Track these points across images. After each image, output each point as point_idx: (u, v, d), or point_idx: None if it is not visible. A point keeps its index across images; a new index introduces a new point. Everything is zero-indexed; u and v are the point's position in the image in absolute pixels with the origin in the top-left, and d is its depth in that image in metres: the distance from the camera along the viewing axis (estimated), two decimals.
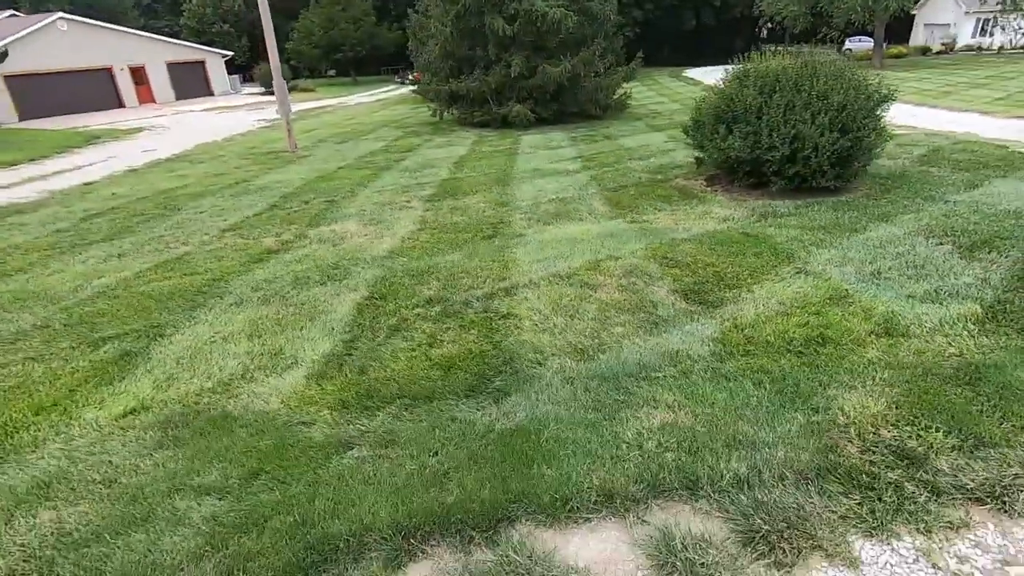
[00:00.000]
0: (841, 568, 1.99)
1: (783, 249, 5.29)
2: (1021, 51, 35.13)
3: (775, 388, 3.01)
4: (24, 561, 2.16)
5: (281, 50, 46.68)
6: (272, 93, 36.32)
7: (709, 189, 8.42)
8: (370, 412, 3.04)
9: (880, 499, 2.22)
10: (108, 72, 30.64)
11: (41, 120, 26.51)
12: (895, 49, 37.88)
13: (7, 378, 3.64)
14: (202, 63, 35.56)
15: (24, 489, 2.55)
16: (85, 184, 11.24)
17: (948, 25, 39.90)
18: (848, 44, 43.78)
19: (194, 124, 23.09)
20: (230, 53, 37.45)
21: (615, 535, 2.20)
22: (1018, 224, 5.39)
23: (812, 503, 2.22)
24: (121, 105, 31.18)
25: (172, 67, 33.48)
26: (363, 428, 2.90)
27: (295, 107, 29.07)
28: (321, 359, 3.71)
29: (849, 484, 2.30)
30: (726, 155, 7.83)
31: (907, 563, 1.99)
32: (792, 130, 7.16)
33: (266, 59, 36.08)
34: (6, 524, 2.36)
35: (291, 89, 36.62)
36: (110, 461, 2.74)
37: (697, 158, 9.16)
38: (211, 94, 35.94)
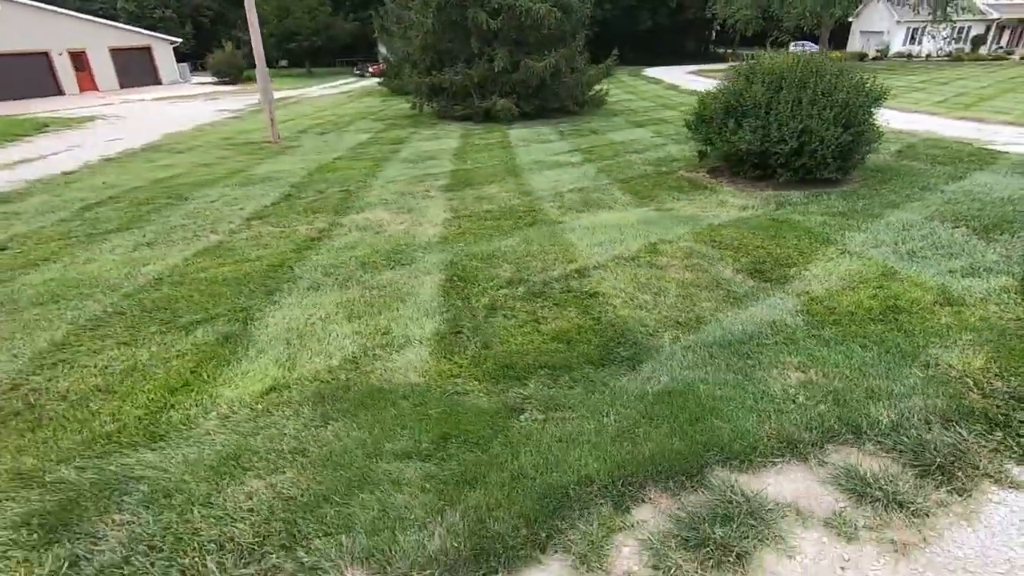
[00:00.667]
0: (1009, 489, 2.32)
1: (818, 233, 5.73)
2: (946, 58, 38.15)
3: (882, 349, 3.35)
4: (265, 523, 2.20)
5: (231, 38, 44.81)
6: (226, 83, 34.98)
7: (715, 180, 8.87)
8: (519, 381, 3.18)
9: (1018, 434, 2.57)
10: (45, 56, 28.59)
11: None
12: (834, 54, 40.23)
13: (114, 361, 3.54)
14: (148, 49, 33.70)
15: (215, 462, 2.56)
16: (64, 173, 10.59)
17: (882, 33, 42.71)
18: (792, 47, 46.04)
19: (151, 114, 21.92)
20: (179, 40, 35.62)
21: (801, 475, 2.45)
22: (1016, 210, 6.04)
23: (966, 440, 2.55)
24: (60, 92, 29.16)
25: (116, 53, 31.57)
26: (522, 395, 3.04)
27: (256, 98, 28.08)
28: (433, 336, 3.79)
29: (988, 424, 2.65)
30: (736, 148, 8.26)
31: None
32: (800, 125, 7.66)
33: (214, 47, 34.60)
34: (218, 492, 2.37)
35: (246, 79, 35.33)
36: (284, 433, 2.76)
37: (700, 151, 9.59)
38: (159, 83, 34.12)
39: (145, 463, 2.58)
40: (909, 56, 40.79)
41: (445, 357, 3.49)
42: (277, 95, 30.25)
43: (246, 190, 8.88)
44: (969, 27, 38.26)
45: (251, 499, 2.32)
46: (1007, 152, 9.42)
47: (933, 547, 2.07)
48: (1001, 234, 5.37)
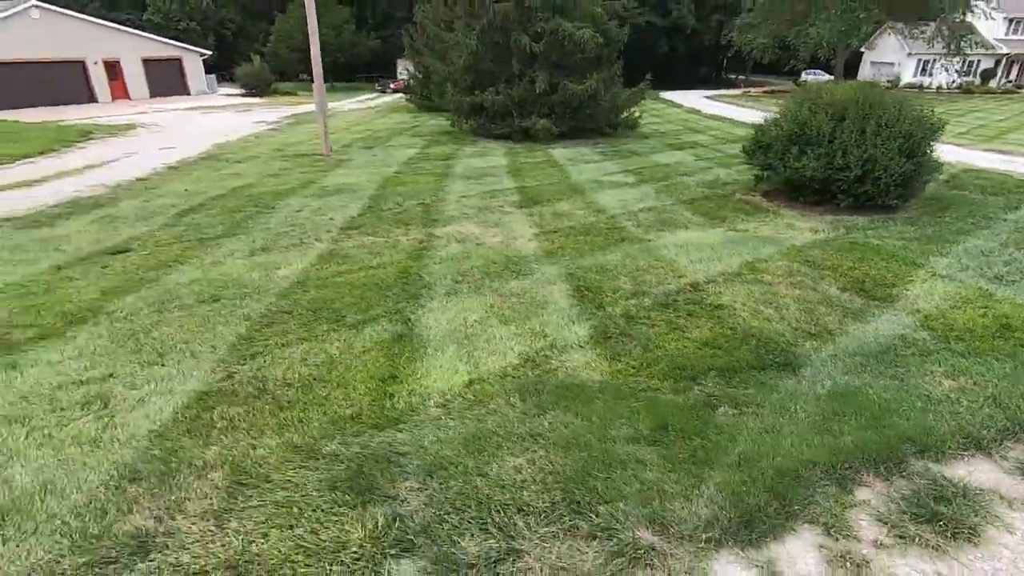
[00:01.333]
0: None
1: (903, 256, 6.11)
2: (957, 90, 39.08)
3: (1016, 362, 3.70)
4: (547, 491, 2.52)
5: (256, 51, 45.70)
6: (253, 95, 35.65)
7: (773, 204, 9.27)
8: (694, 382, 3.52)
9: None
10: (81, 65, 29.25)
11: (6, 112, 25.01)
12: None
13: (309, 354, 3.87)
14: (179, 61, 34.42)
15: (462, 441, 2.88)
16: (139, 180, 11.00)
17: (893, 64, 43.71)
18: (804, 76, 47.17)
19: (189, 124, 22.43)
20: (208, 52, 36.39)
21: (989, 467, 2.79)
22: None
23: None
24: (93, 100, 29.76)
25: (148, 63, 32.27)
26: (705, 392, 3.37)
27: (287, 111, 28.73)
28: (589, 340, 4.14)
29: None
30: (799, 174, 8.69)
31: None
32: (865, 153, 8.10)
33: (242, 61, 35.34)
34: (486, 465, 2.70)
35: (273, 92, 36.06)
36: (510, 419, 3.09)
37: (757, 176, 10.00)
38: (187, 93, 34.78)
39: (400, 441, 2.90)
40: (920, 87, 41.70)
41: (614, 359, 3.83)
42: (306, 109, 30.95)
43: (324, 201, 9.26)
44: (979, 60, 39.22)
45: (520, 472, 2.64)
46: None
47: None
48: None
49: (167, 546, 2.23)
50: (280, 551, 2.20)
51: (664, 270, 5.70)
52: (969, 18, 31.54)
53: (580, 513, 2.40)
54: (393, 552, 2.22)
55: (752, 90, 43.56)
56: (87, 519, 2.35)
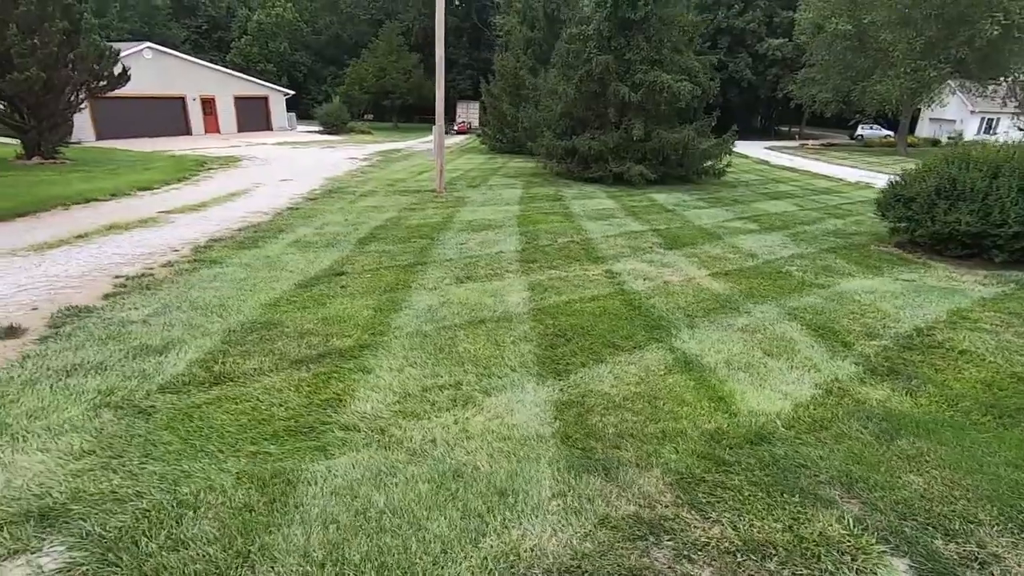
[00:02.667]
0: None
1: None
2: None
3: None
4: (990, 501, 2.79)
5: (327, 94, 48.26)
6: (332, 132, 37.57)
7: (917, 256, 9.46)
8: (1015, 418, 3.76)
9: None
10: (182, 101, 31.46)
11: (114, 141, 26.99)
12: (908, 139, 41.30)
13: (619, 373, 4.24)
14: (265, 99, 36.69)
15: (848, 456, 3.18)
16: (289, 208, 11.85)
17: (954, 121, 43.66)
18: (860, 130, 47.41)
19: (286, 158, 23.81)
20: (291, 92, 38.70)
21: None
22: None
23: None
24: (188, 132, 31.85)
25: (239, 101, 34.49)
26: None
27: (369, 149, 30.20)
28: (867, 375, 4.42)
29: None
30: (951, 228, 8.90)
31: None
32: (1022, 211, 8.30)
33: (311, 100, 37.12)
34: (904, 480, 2.98)
35: (349, 131, 37.96)
36: (869, 441, 3.38)
37: (893, 228, 10.22)
38: (270, 128, 36.90)
39: (785, 455, 3.21)
40: (984, 144, 41.32)
41: (910, 393, 4.11)
42: (387, 146, 32.52)
43: (479, 235, 9.82)
44: None
45: (931, 487, 2.92)
46: None
47: None
48: None
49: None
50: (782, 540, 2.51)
51: (875, 315, 5.97)
52: None
53: None
54: (880, 548, 2.51)
55: (809, 142, 43.89)
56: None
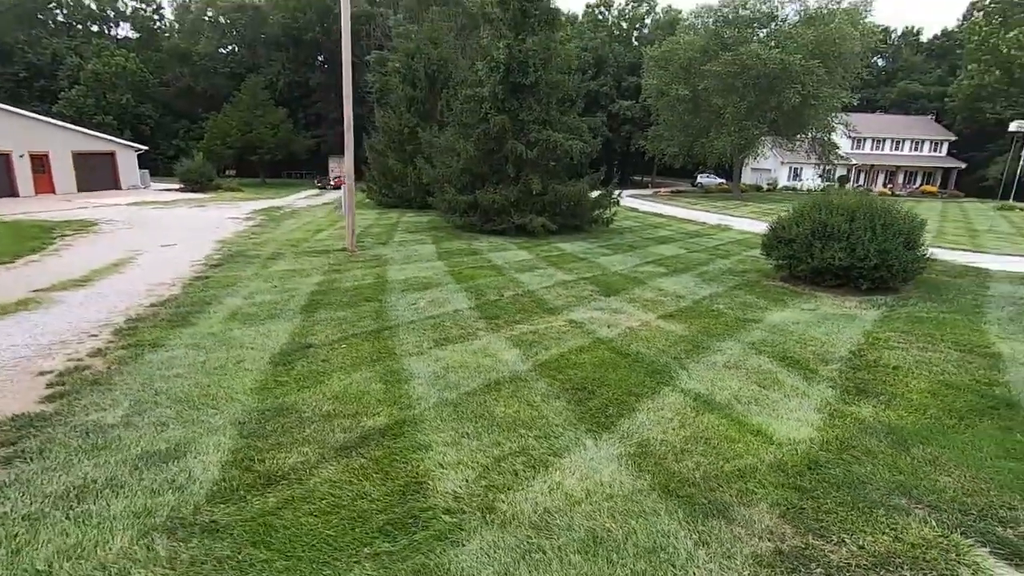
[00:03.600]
0: None
1: (960, 322, 7.91)
2: (821, 192, 47.06)
3: None
4: None
5: (190, 148, 44.78)
6: (195, 190, 34.57)
7: (802, 288, 11.14)
8: (962, 419, 4.67)
9: None
10: (5, 158, 27.19)
11: None
12: (729, 185, 48.26)
13: (690, 423, 4.55)
14: (112, 155, 32.96)
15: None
16: (195, 279, 10.77)
17: (770, 170, 51.87)
18: (700, 178, 54.32)
19: (152, 219, 21.51)
20: (144, 148, 35.21)
21: None
22: None
23: None
24: (14, 194, 27.46)
25: (79, 157, 30.61)
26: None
27: (246, 207, 28.25)
28: (835, 397, 5.19)
29: None
30: (827, 263, 10.67)
31: None
32: (880, 246, 10.26)
33: (160, 156, 34.95)
34: None
35: (216, 188, 35.29)
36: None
37: (778, 265, 11.95)
38: (118, 187, 33.06)
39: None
40: (794, 189, 49.64)
41: (889, 409, 4.91)
42: (265, 204, 30.62)
43: (424, 295, 9.75)
44: (836, 168, 47.83)
45: None
46: (987, 269, 12.79)
47: None
48: None
49: None
50: None
51: (813, 343, 6.98)
52: (832, 137, 39.07)
53: None
54: (968, 543, 3.02)
55: (661, 190, 49.33)
56: None
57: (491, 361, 6.12)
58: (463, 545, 3.00)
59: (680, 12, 54.15)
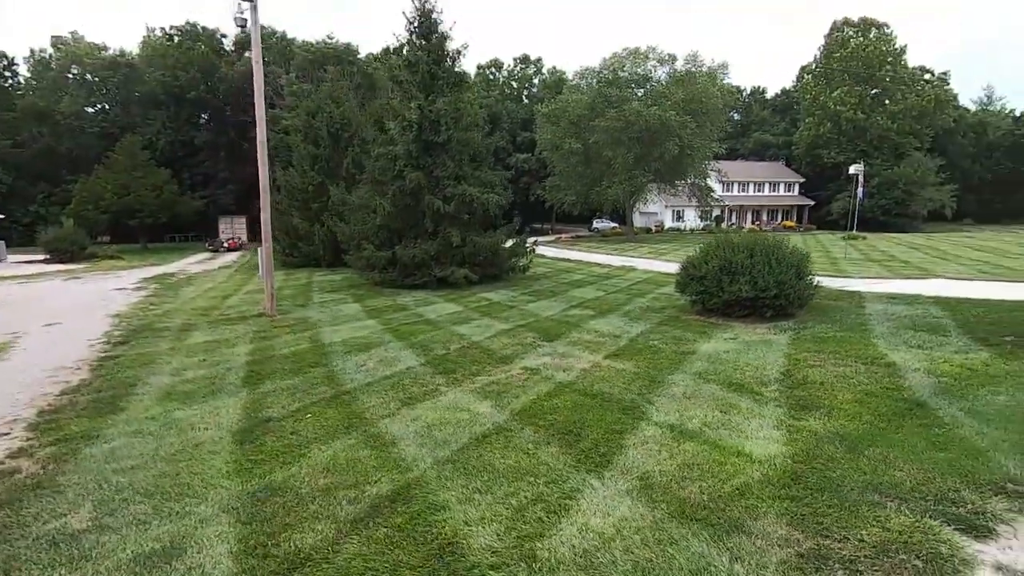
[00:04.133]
0: None
1: (852, 339, 9.18)
2: (702, 231, 51.95)
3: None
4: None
5: (53, 214, 40.47)
6: (64, 260, 31.07)
7: (716, 319, 12.29)
8: (890, 421, 5.47)
9: None
10: None
11: None
12: (623, 228, 52.00)
13: (700, 454, 4.89)
14: None
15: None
16: (104, 358, 9.75)
17: (656, 213, 56.44)
18: (595, 223, 57.74)
19: (23, 297, 19.09)
20: (1, 216, 31.28)
21: None
22: (926, 312, 10.36)
23: None
24: None
25: None
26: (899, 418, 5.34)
27: (131, 276, 25.85)
28: (780, 421, 5.88)
29: None
30: (736, 295, 11.91)
31: None
32: (777, 278, 11.67)
33: (30, 223, 32.63)
34: None
35: (90, 256, 32.01)
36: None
37: (692, 300, 13.11)
38: None
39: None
40: (679, 230, 54.32)
41: (832, 420, 5.62)
42: (150, 272, 28.12)
43: (371, 354, 9.57)
44: (713, 209, 53.17)
45: None
46: (858, 291, 14.85)
47: None
48: (917, 330, 9.44)
49: None
50: None
51: (748, 368, 7.78)
52: (708, 181, 43.61)
53: None
54: (937, 524, 3.59)
55: (562, 236, 51.85)
56: None
57: (468, 415, 6.18)
58: None
59: (565, 73, 58.73)
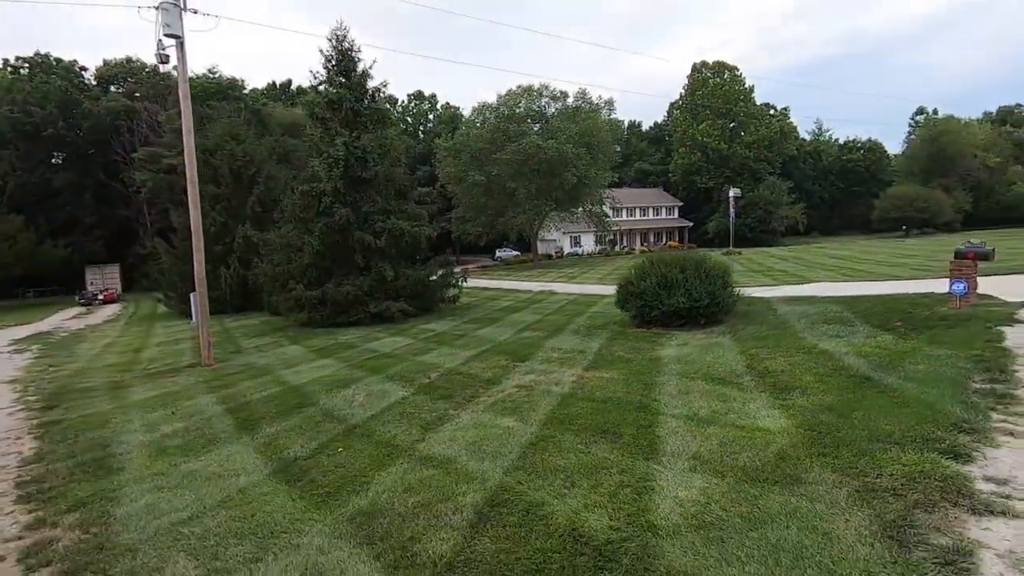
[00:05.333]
0: None
1: (785, 334, 10.72)
2: (600, 254, 55.38)
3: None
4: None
5: None
6: None
7: (659, 330, 13.57)
8: (837, 414, 6.72)
9: None
10: None
11: None
12: (527, 256, 54.11)
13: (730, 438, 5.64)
14: None
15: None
16: (54, 423, 8.76)
17: (555, 239, 59.21)
18: (499, 252, 59.21)
19: None
20: None
21: None
22: (829, 310, 12.31)
23: None
24: None
25: None
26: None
27: (5, 335, 22.54)
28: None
29: None
30: (674, 307, 13.29)
31: None
32: (707, 289, 13.23)
33: None
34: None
35: None
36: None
37: (634, 315, 14.33)
38: None
39: None
40: (578, 255, 57.35)
41: (814, 397, 6.74)
42: (19, 332, 24.61)
43: (351, 391, 9.44)
44: (608, 234, 56.94)
45: None
46: (764, 297, 17.02)
47: None
48: (829, 324, 11.31)
49: None
50: None
51: (716, 366, 8.85)
52: (603, 207, 46.84)
53: None
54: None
55: (469, 267, 52.67)
56: None
57: (501, 430, 6.53)
58: (659, 558, 3.58)
59: (460, 108, 60.47)
